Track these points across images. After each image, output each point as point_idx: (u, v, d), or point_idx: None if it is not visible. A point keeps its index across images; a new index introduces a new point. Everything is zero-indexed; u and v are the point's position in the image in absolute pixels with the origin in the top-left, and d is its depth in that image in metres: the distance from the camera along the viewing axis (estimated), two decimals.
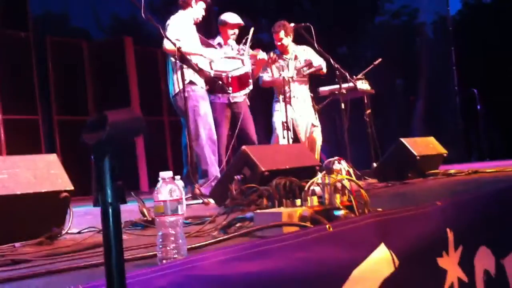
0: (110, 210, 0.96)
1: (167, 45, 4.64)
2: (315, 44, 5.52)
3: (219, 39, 5.54)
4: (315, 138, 5.86)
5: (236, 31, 5.50)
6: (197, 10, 4.98)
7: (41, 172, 2.45)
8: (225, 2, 8.65)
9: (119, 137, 0.88)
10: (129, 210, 2.82)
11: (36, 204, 2.38)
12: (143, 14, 4.24)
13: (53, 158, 2.57)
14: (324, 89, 6.02)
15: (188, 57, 4.58)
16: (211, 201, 3.85)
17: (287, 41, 5.80)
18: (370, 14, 11.32)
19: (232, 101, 5.32)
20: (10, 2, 6.91)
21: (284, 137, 5.42)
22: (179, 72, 4.59)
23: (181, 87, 4.63)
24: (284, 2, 8.92)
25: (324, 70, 5.76)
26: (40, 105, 7.09)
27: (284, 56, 5.85)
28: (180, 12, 4.96)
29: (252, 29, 5.42)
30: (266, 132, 5.77)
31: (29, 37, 7.00)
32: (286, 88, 5.51)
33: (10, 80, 6.75)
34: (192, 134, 4.53)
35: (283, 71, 5.76)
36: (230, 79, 5.11)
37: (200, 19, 5.03)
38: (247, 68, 5.26)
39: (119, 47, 8.32)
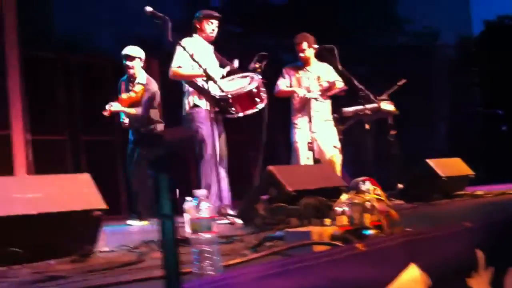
0: (169, 222, 1.00)
1: (170, 73, 4.84)
2: (338, 65, 5.51)
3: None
4: (335, 160, 5.69)
5: None
6: (206, 29, 5.01)
7: (75, 191, 2.51)
8: (248, 24, 8.72)
9: (176, 153, 0.92)
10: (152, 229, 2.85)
11: (70, 222, 2.42)
12: (169, 37, 4.31)
13: (86, 177, 2.62)
14: (348, 109, 5.98)
15: (194, 80, 4.78)
16: (237, 220, 3.87)
17: (310, 52, 5.71)
18: (391, 34, 11.32)
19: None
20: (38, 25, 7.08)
21: (308, 158, 5.39)
22: (185, 95, 4.90)
23: (187, 109, 4.87)
24: (307, 23, 8.98)
25: (344, 88, 5.72)
26: (68, 125, 7.21)
27: (306, 68, 5.77)
28: (194, 36, 5.01)
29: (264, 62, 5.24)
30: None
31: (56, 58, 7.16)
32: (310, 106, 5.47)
33: (37, 102, 6.89)
34: (198, 154, 4.71)
35: (300, 86, 5.69)
36: (231, 100, 4.71)
37: (213, 35, 5.03)
38: (252, 86, 4.79)
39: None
